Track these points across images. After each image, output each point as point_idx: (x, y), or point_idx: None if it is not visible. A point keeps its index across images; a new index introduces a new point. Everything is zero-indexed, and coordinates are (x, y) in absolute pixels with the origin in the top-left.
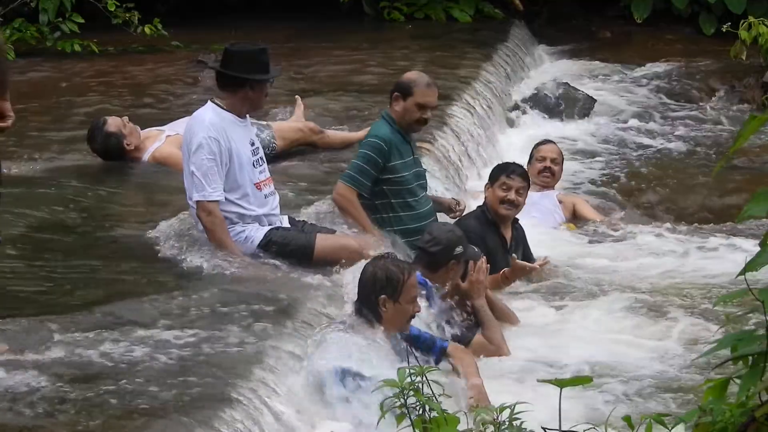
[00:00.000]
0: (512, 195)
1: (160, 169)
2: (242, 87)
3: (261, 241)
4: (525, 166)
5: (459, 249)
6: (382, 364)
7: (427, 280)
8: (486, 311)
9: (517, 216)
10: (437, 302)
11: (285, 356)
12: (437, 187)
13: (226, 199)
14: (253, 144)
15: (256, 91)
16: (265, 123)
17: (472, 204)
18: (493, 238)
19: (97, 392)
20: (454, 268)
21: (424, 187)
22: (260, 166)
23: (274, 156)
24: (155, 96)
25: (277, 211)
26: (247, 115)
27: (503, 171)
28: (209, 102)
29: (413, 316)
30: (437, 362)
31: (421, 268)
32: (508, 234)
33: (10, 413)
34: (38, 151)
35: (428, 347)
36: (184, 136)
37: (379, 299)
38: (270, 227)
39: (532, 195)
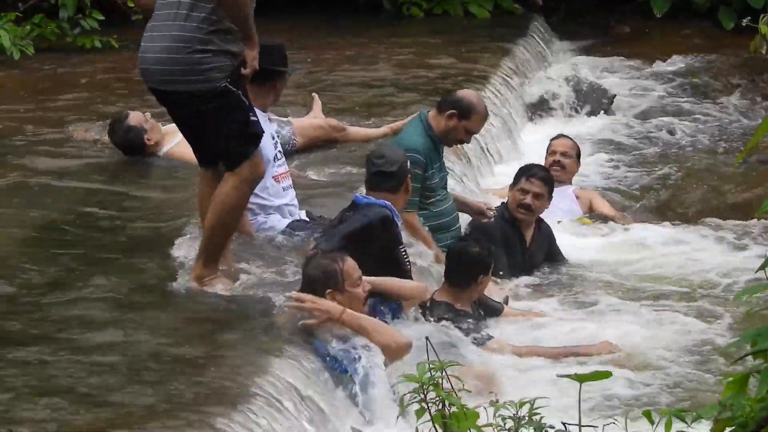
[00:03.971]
0: (529, 199)
1: (179, 164)
2: (271, 79)
3: (282, 231)
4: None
5: (408, 164)
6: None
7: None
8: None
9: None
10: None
11: (304, 350)
12: (454, 184)
13: None
14: (273, 138)
15: (280, 83)
16: (285, 119)
17: (490, 202)
18: (513, 237)
19: (110, 387)
20: (409, 184)
21: (445, 186)
22: (279, 159)
23: (293, 152)
24: None
25: (295, 202)
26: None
27: (524, 174)
28: None
29: (367, 296)
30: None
31: (382, 193)
32: (528, 234)
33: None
34: (57, 146)
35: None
36: None
37: (326, 296)
38: (292, 219)
39: None
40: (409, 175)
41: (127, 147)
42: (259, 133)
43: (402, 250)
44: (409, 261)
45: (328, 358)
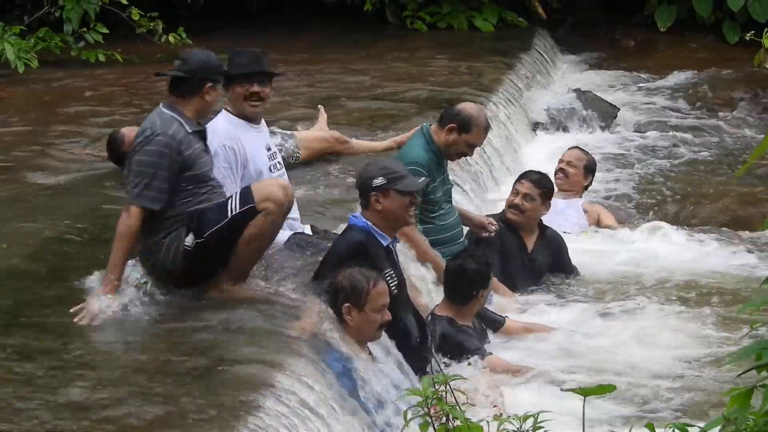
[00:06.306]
0: (518, 200)
1: None
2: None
3: (284, 244)
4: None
5: (379, 180)
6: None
7: (372, 224)
8: None
9: (545, 223)
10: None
11: (311, 365)
12: (458, 197)
13: None
14: (269, 149)
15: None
16: (289, 132)
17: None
18: (510, 240)
19: (114, 401)
20: (380, 201)
21: (450, 200)
22: (278, 170)
23: (297, 164)
24: None
25: (296, 215)
26: (263, 121)
27: (518, 176)
28: (222, 110)
29: (383, 325)
30: None
31: (364, 210)
32: (529, 239)
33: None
34: (61, 160)
35: None
36: None
37: (343, 308)
38: (292, 232)
39: (558, 203)
40: (375, 194)
41: (117, 163)
42: (246, 202)
43: (386, 274)
44: (395, 285)
45: (337, 373)
